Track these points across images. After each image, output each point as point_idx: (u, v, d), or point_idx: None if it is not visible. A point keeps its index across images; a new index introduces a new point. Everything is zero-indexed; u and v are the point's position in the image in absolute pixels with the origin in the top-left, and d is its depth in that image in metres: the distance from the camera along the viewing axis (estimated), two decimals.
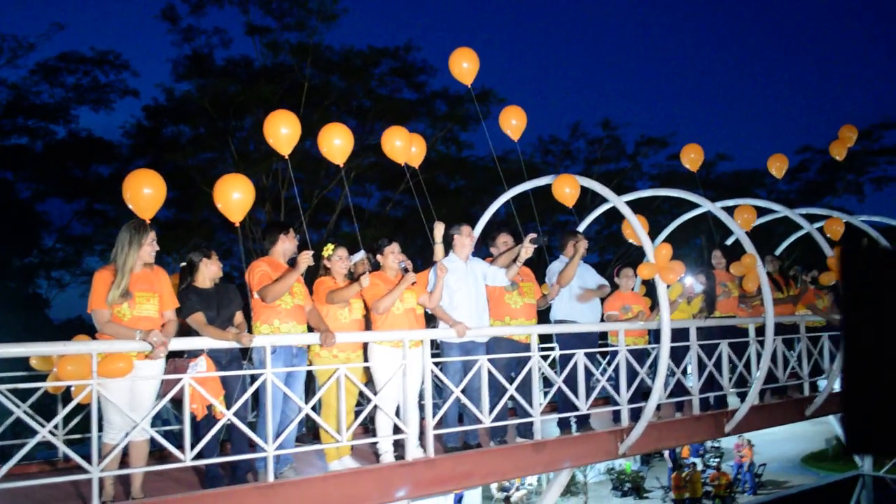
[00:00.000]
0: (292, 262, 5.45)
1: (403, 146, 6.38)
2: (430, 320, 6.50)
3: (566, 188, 6.86)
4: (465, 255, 6.49)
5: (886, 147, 32.70)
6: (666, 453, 18.96)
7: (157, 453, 5.70)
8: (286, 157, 5.76)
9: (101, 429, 4.66)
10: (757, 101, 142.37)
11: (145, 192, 4.86)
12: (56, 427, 5.77)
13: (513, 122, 6.92)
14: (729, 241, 11.17)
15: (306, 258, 5.25)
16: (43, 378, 5.72)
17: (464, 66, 6.74)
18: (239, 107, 20.98)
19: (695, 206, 9.69)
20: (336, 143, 6.08)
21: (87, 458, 4.52)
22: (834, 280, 9.09)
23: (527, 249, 6.35)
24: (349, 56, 23.25)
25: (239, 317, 5.29)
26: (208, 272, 5.27)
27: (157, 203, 4.91)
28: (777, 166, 9.40)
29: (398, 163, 6.50)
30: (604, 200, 8.59)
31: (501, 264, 6.76)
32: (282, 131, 5.62)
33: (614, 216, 11.45)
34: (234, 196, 5.23)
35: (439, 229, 6.44)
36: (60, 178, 22.99)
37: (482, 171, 26.52)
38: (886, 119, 32.15)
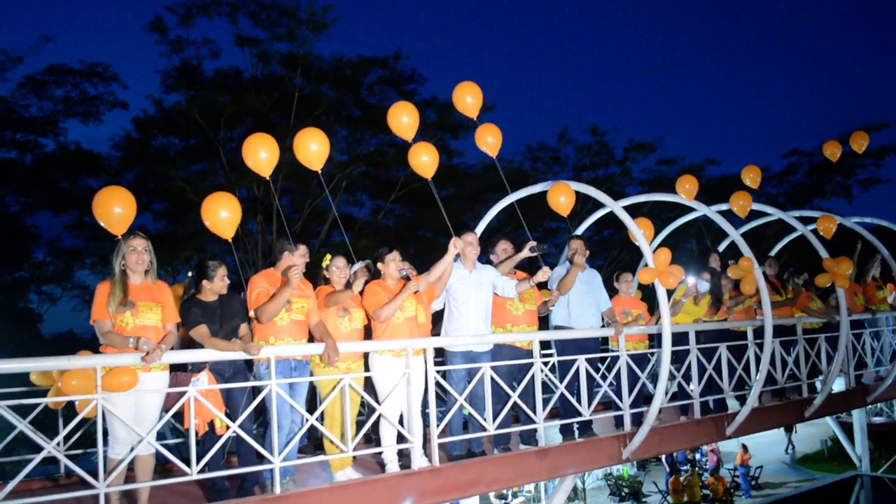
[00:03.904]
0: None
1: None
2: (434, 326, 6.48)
3: (561, 197, 6.77)
4: (471, 263, 6.49)
5: (872, 150, 33.21)
6: (663, 457, 18.95)
7: (159, 467, 5.65)
8: (267, 178, 5.72)
9: (105, 443, 4.62)
10: (744, 106, 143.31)
11: (116, 210, 4.75)
12: (58, 443, 5.74)
13: (489, 139, 6.85)
14: (722, 246, 11.22)
15: (295, 273, 5.21)
16: (41, 394, 5.68)
17: (468, 100, 6.71)
18: (229, 118, 20.96)
19: (687, 210, 9.69)
20: (313, 148, 5.97)
21: (92, 474, 4.48)
22: (829, 282, 9.13)
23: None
24: (339, 65, 23.26)
25: (244, 329, 5.23)
26: (215, 287, 5.22)
27: (128, 219, 4.81)
28: (751, 177, 9.21)
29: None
30: (596, 206, 8.57)
31: (502, 272, 6.76)
32: (260, 155, 5.55)
33: (604, 221, 11.45)
34: (222, 214, 5.19)
35: (457, 247, 6.00)
36: (49, 192, 22.86)
37: (472, 179, 26.54)
38: (869, 123, 32.83)
